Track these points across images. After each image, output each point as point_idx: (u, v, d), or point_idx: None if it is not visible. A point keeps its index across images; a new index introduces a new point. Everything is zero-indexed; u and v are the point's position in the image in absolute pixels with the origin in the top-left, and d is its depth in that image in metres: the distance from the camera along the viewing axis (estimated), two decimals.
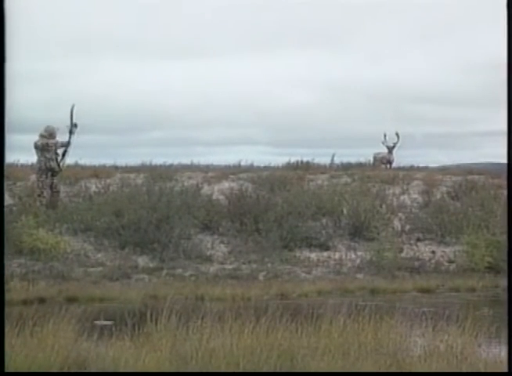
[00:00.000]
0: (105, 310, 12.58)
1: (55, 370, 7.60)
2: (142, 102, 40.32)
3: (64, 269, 16.27)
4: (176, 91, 42.84)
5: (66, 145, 18.71)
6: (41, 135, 18.63)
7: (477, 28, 41.04)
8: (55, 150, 18.56)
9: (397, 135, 25.72)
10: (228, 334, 8.34)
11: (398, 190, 21.76)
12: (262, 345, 8.06)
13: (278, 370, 7.69)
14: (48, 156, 18.48)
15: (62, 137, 18.78)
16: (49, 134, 18.66)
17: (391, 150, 25.86)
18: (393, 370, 7.69)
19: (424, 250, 18.75)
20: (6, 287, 15.21)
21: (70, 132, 18.64)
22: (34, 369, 7.56)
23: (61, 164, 18.73)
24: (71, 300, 14.13)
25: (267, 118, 42.12)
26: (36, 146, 18.57)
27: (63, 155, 18.74)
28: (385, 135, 25.79)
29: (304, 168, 24.53)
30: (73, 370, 7.76)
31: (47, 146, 18.43)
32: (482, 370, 7.58)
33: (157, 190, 19.45)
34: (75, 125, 18.64)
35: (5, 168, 21.22)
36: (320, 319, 8.89)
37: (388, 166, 25.78)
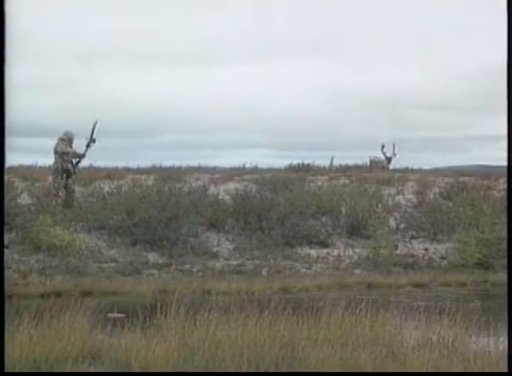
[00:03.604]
0: (118, 303, 12.58)
1: (71, 359, 7.62)
2: (153, 107, 40.38)
3: (79, 265, 16.28)
4: (185, 97, 42.87)
5: (81, 156, 18.72)
6: (61, 139, 18.63)
7: (469, 39, 41.03)
8: (72, 157, 18.57)
9: (393, 145, 25.93)
10: (234, 326, 8.34)
11: (393, 191, 21.76)
12: (265, 336, 8.07)
13: (280, 360, 7.69)
14: (65, 158, 18.51)
15: (78, 141, 18.82)
16: (68, 138, 18.68)
17: (389, 160, 26.05)
18: (388, 359, 7.69)
19: (418, 247, 18.73)
20: (25, 281, 15.33)
21: (88, 146, 18.66)
22: (51, 358, 7.57)
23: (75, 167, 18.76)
24: (86, 294, 14.13)
25: (270, 123, 42.15)
26: (56, 152, 18.58)
27: (77, 163, 18.76)
28: (383, 146, 25.95)
29: (305, 170, 24.56)
30: (88, 359, 7.78)
31: (66, 153, 18.45)
32: (472, 360, 7.58)
33: (167, 191, 19.45)
34: (94, 141, 18.68)
35: (25, 169, 21.21)
36: (320, 312, 8.89)
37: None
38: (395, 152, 26.17)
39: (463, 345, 8.20)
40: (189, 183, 21.11)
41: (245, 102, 43.43)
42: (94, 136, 18.64)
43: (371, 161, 26.18)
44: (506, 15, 5.19)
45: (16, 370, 7.32)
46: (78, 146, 18.75)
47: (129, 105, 39.57)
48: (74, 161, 18.67)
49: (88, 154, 18.84)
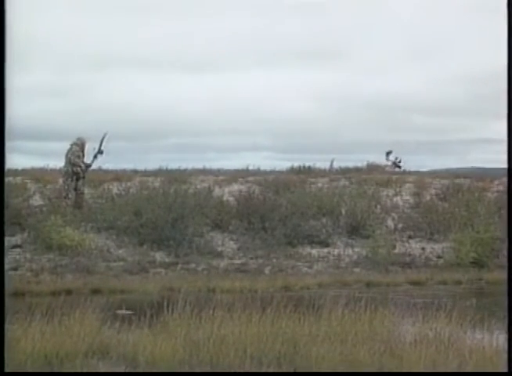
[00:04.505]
0: (125, 301, 12.59)
1: (81, 354, 7.62)
2: (160, 112, 40.42)
3: (89, 264, 16.29)
4: (190, 102, 42.86)
5: (88, 166, 18.80)
6: (74, 144, 18.68)
7: (464, 46, 41.04)
8: (81, 166, 18.61)
9: (390, 153, 26.03)
10: (237, 322, 8.35)
11: (391, 192, 21.73)
12: (268, 332, 8.07)
13: (282, 355, 7.69)
14: (74, 165, 18.56)
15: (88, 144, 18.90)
16: (81, 143, 18.77)
17: (397, 165, 26.12)
18: (386, 355, 7.68)
19: (415, 246, 18.72)
20: (37, 279, 15.35)
21: (95, 157, 18.80)
22: (62, 353, 7.58)
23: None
24: (95, 292, 14.15)
25: (273, 127, 42.14)
26: (68, 160, 18.57)
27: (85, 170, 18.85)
28: (388, 153, 26.01)
29: (306, 172, 24.52)
30: (97, 354, 7.78)
31: (76, 163, 18.49)
32: (467, 355, 7.58)
33: (173, 192, 19.44)
34: (101, 152, 18.83)
35: (37, 171, 21.25)
36: (320, 309, 8.90)
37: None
38: (390, 158, 26.26)
39: (458, 341, 8.19)
40: (195, 185, 21.10)
41: (248, 106, 43.46)
42: (102, 148, 18.79)
43: (368, 165, 26.19)
44: (506, 15, 5.12)
45: (30, 364, 7.33)
46: (88, 149, 18.85)
47: (137, 109, 39.58)
48: (83, 166, 18.73)
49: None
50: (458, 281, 16.39)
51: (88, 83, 38.85)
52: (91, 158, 18.81)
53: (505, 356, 7.29)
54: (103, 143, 18.83)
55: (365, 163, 26.65)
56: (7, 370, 6.00)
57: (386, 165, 26.26)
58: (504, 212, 19.05)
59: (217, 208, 19.02)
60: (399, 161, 26.37)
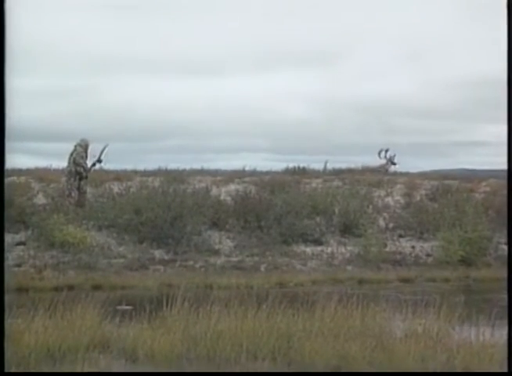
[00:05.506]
0: (126, 297, 12.59)
1: (82, 347, 7.62)
2: (159, 114, 40.40)
3: (90, 261, 16.28)
4: (189, 104, 42.85)
5: (88, 171, 18.80)
6: (79, 145, 18.67)
7: (456, 50, 41.09)
8: (83, 168, 18.60)
9: (386, 151, 26.04)
10: (234, 318, 8.35)
11: (383, 193, 21.76)
12: (263, 328, 8.07)
13: (277, 350, 7.70)
14: (77, 165, 18.55)
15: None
16: (85, 144, 18.77)
17: (392, 162, 26.12)
18: (378, 350, 7.69)
19: (405, 245, 18.74)
20: (40, 275, 15.32)
21: (93, 165, 18.84)
22: (64, 347, 7.58)
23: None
24: (96, 287, 14.15)
25: (268, 129, 42.15)
26: (73, 160, 18.54)
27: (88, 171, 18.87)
28: (384, 151, 26.05)
29: (300, 173, 24.56)
30: (98, 348, 7.78)
31: (80, 163, 18.47)
32: (455, 350, 7.59)
33: (172, 192, 19.43)
34: (100, 161, 18.89)
35: (40, 171, 21.26)
36: (314, 305, 8.90)
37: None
38: (387, 155, 26.24)
39: (446, 336, 8.21)
40: (193, 185, 21.11)
41: (245, 109, 43.45)
42: (101, 157, 18.84)
43: (363, 167, 26.18)
44: (504, 17, 5.10)
45: (33, 357, 7.33)
46: (91, 150, 18.89)
47: (137, 111, 39.55)
48: (86, 167, 18.72)
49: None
50: (446, 279, 16.42)
51: (90, 85, 38.86)
52: (90, 165, 18.80)
53: (490, 350, 7.33)
54: (103, 153, 18.89)
55: (358, 164, 26.68)
56: (11, 366, 5.99)
57: (382, 164, 26.22)
58: (491, 212, 19.15)
59: (214, 208, 19.01)
60: (393, 160, 26.34)
